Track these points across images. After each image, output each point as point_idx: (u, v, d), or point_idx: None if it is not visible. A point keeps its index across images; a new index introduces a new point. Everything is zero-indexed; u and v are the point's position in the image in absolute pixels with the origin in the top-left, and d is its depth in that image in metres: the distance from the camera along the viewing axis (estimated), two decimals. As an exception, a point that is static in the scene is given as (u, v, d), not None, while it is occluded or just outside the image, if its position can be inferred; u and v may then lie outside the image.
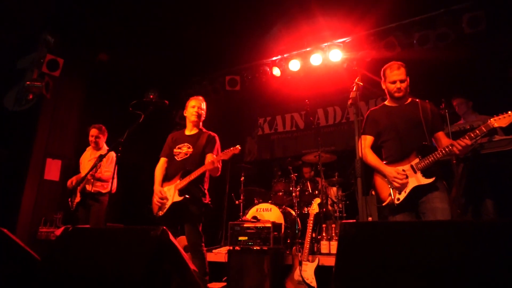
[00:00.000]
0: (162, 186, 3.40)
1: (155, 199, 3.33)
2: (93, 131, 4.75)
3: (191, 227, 3.25)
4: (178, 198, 3.22)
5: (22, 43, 5.72)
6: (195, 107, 3.56)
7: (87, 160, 4.82)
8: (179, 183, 3.26)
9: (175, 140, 3.59)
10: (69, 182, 4.67)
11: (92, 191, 4.48)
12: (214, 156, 3.32)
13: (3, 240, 2.11)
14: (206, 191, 3.45)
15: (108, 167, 4.60)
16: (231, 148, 3.19)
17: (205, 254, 3.32)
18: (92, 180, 4.40)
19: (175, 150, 3.50)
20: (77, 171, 5.01)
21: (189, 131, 3.60)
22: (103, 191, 4.51)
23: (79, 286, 1.73)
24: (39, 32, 5.41)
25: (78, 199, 4.51)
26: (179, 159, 3.44)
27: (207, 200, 3.41)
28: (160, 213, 3.28)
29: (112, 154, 4.65)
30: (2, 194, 5.36)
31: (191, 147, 3.45)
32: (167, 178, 3.44)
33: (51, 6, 5.20)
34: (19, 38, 5.68)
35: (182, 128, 3.76)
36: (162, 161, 3.57)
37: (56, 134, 5.79)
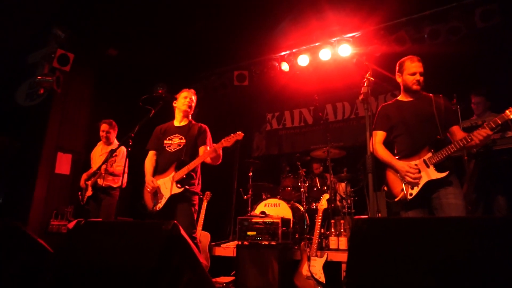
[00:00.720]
0: (154, 178, 3.32)
1: (148, 189, 3.26)
2: (104, 126, 4.79)
3: (184, 219, 3.12)
4: (177, 190, 3.13)
5: (32, 38, 5.77)
6: (187, 98, 3.50)
7: (98, 155, 4.87)
8: (176, 174, 3.17)
9: (164, 131, 3.51)
10: (82, 181, 4.71)
11: (104, 185, 4.52)
12: (208, 148, 3.28)
13: (17, 234, 2.15)
14: (199, 182, 3.39)
15: (119, 162, 4.64)
16: (233, 135, 3.10)
17: (198, 247, 3.29)
18: (104, 174, 4.45)
19: (165, 141, 3.42)
20: (87, 165, 5.06)
21: (179, 122, 3.53)
22: (114, 186, 4.57)
23: (91, 278, 1.76)
24: (50, 27, 5.45)
25: (89, 193, 4.57)
26: (172, 150, 3.35)
27: (198, 189, 3.35)
28: (157, 207, 3.19)
29: (123, 149, 4.68)
30: (14, 187, 5.45)
31: (183, 138, 3.37)
32: (158, 171, 3.36)
33: (61, 1, 5.23)
34: (30, 33, 5.74)
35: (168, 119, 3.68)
36: (151, 154, 3.50)
37: (66, 129, 5.86)
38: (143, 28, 5.85)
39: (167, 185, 3.20)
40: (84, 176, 4.71)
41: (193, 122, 3.56)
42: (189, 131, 3.40)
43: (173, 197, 3.16)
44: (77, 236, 2.02)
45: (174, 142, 3.38)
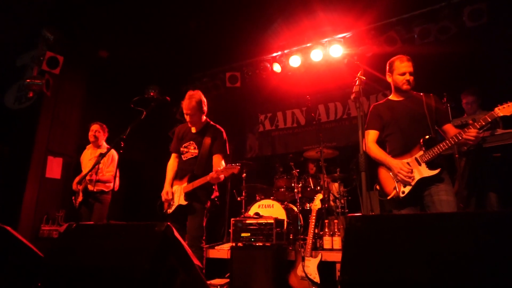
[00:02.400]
0: (173, 183, 3.47)
1: (163, 197, 3.42)
2: (94, 127, 4.78)
3: (193, 221, 3.29)
4: (183, 202, 3.31)
5: (21, 40, 5.70)
6: (184, 109, 3.45)
7: (87, 159, 4.84)
8: (187, 186, 3.32)
9: (182, 136, 3.60)
10: (74, 184, 4.71)
11: (95, 190, 4.50)
12: (221, 157, 3.39)
13: (7, 238, 2.11)
14: (214, 187, 3.48)
15: (109, 167, 4.63)
16: (232, 166, 3.14)
17: (204, 251, 3.34)
18: (94, 180, 4.42)
19: (182, 148, 3.53)
20: (78, 169, 5.01)
21: (194, 128, 3.57)
22: (106, 190, 4.55)
23: (84, 282, 1.73)
24: (39, 29, 5.39)
25: (80, 198, 4.53)
26: (185, 159, 3.49)
27: (213, 195, 3.45)
28: (169, 210, 3.39)
29: (113, 153, 4.66)
30: (4, 192, 5.36)
31: (197, 148, 3.45)
32: (178, 176, 3.51)
33: (50, 2, 5.17)
34: (19, 35, 5.66)
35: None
36: (173, 157, 3.63)
37: (57, 132, 5.78)
38: (135, 29, 5.81)
39: (178, 194, 3.38)
40: (76, 179, 4.68)
41: (210, 123, 3.60)
42: (203, 140, 3.44)
43: (181, 207, 3.33)
44: (68, 240, 1.99)
45: (189, 151, 3.49)
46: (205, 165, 3.37)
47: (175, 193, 3.41)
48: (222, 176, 3.23)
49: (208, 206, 3.41)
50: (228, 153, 3.52)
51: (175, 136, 3.65)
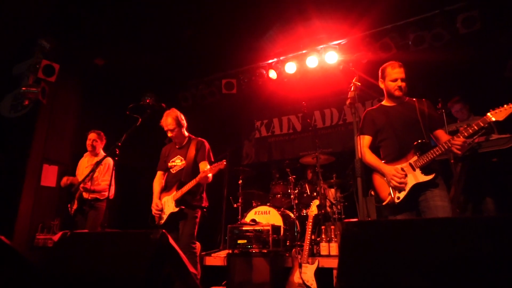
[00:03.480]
0: (161, 196, 3.67)
1: (153, 211, 3.59)
2: (92, 135, 4.78)
3: (185, 228, 3.45)
4: (175, 209, 3.47)
5: (17, 49, 5.69)
6: (166, 127, 3.70)
7: (84, 166, 4.82)
8: (176, 194, 3.50)
9: (168, 154, 3.85)
10: (63, 179, 4.72)
11: (90, 197, 4.47)
12: (207, 163, 3.60)
13: (1, 247, 2.08)
14: (203, 196, 3.68)
15: (105, 175, 4.61)
16: (218, 163, 3.34)
17: (197, 257, 3.53)
18: (89, 188, 4.41)
19: (169, 164, 3.76)
20: (73, 174, 4.98)
21: (179, 144, 3.82)
22: (101, 198, 4.53)
23: (79, 292, 1.71)
24: (35, 38, 5.39)
25: (75, 206, 4.51)
26: (174, 171, 3.71)
27: (202, 204, 3.63)
28: (161, 222, 3.55)
29: (109, 161, 4.64)
30: (-1, 200, 5.31)
31: (183, 159, 3.70)
32: (166, 188, 3.72)
33: (46, 11, 5.18)
34: (15, 44, 5.65)
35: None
36: (159, 174, 3.85)
37: (53, 140, 5.75)
38: (130, 37, 5.82)
39: (169, 203, 3.55)
40: (69, 178, 4.68)
41: (191, 137, 3.84)
42: (187, 152, 3.69)
43: (173, 214, 3.49)
44: (63, 249, 1.97)
45: (177, 164, 3.73)
46: (191, 173, 3.57)
47: (165, 203, 3.58)
48: (210, 175, 3.46)
49: (199, 215, 3.58)
50: (212, 159, 3.75)
51: (161, 157, 3.90)
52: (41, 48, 5.33)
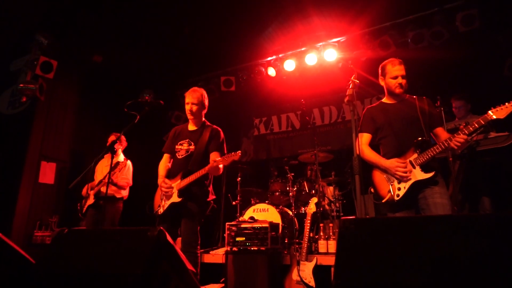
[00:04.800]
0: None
1: (162, 189, 3.24)
2: (111, 138, 4.83)
3: (187, 226, 3.14)
4: (176, 199, 3.14)
5: (15, 45, 5.67)
6: (188, 104, 3.41)
7: (104, 165, 4.89)
8: (179, 183, 3.17)
9: (177, 135, 3.48)
10: (84, 190, 4.75)
11: (107, 193, 4.51)
12: (219, 154, 3.26)
13: (-2, 244, 2.07)
14: (209, 189, 3.36)
15: (125, 175, 4.67)
16: (232, 154, 3.07)
17: (199, 256, 3.21)
18: (107, 182, 4.45)
19: (176, 146, 3.39)
20: (72, 174, 4.99)
21: (191, 126, 3.49)
22: (117, 196, 4.59)
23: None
24: (32, 34, 5.36)
25: (91, 201, 4.56)
26: (180, 157, 3.33)
27: (209, 198, 3.32)
28: (160, 210, 3.23)
29: (129, 163, 4.73)
30: (-4, 198, 5.30)
31: (192, 144, 3.33)
32: (170, 175, 3.35)
33: (44, 7, 5.15)
34: (12, 40, 5.63)
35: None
36: (165, 157, 3.50)
37: (50, 137, 5.74)
38: (129, 34, 5.80)
39: (171, 192, 3.22)
40: (88, 185, 4.66)
41: (207, 123, 3.50)
42: (200, 137, 3.33)
43: (174, 205, 3.16)
44: (60, 246, 1.96)
45: (183, 148, 3.35)
46: (200, 162, 3.21)
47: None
48: (221, 166, 3.14)
49: (206, 209, 3.30)
50: (225, 152, 3.39)
51: (170, 137, 3.54)
52: (38, 44, 5.31)
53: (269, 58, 6.44)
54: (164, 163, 3.46)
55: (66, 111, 6.07)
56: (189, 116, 3.43)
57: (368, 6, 5.24)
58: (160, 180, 3.32)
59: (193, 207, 3.18)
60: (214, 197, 3.39)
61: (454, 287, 1.05)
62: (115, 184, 4.54)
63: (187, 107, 3.41)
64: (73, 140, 6.06)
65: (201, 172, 3.10)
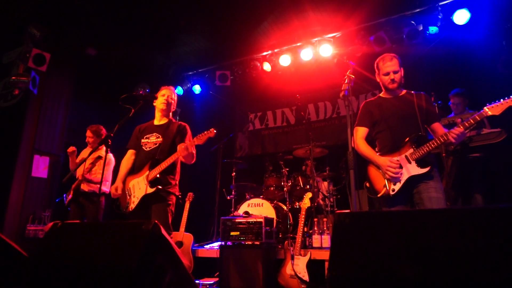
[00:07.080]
0: (126, 180, 3.27)
1: (112, 193, 3.22)
2: (88, 132, 4.76)
3: (159, 218, 3.01)
4: (150, 190, 3.04)
5: (7, 37, 5.58)
6: (165, 96, 3.42)
7: (83, 156, 4.79)
8: (149, 173, 3.09)
9: (143, 130, 3.43)
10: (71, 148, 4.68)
11: (87, 190, 4.45)
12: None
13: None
14: (177, 182, 3.29)
15: (106, 169, 4.57)
16: (205, 132, 3.01)
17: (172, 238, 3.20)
18: (83, 179, 4.38)
19: (142, 140, 3.34)
20: (65, 167, 4.94)
21: (158, 121, 3.45)
22: (98, 192, 4.50)
23: (69, 282, 1.70)
24: (25, 26, 5.28)
25: (70, 196, 4.47)
26: (147, 149, 3.27)
27: (177, 192, 3.25)
28: (131, 207, 3.13)
29: (110, 157, 4.61)
30: (-12, 191, 5.25)
31: (160, 136, 3.29)
32: (134, 170, 3.29)
33: (36, -1, 5.08)
34: (4, 32, 5.55)
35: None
36: (129, 153, 3.42)
37: (43, 130, 5.68)
38: (124, 26, 5.74)
39: (140, 185, 3.13)
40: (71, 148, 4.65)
41: (174, 120, 3.50)
42: (167, 129, 3.31)
43: (146, 197, 3.07)
44: (54, 239, 1.95)
45: (151, 141, 3.30)
46: (167, 152, 3.16)
47: (135, 187, 3.17)
48: (193, 148, 3.08)
49: (174, 202, 3.19)
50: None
51: (134, 133, 3.48)
52: (31, 36, 5.23)
53: (265, 53, 6.42)
54: (127, 160, 3.39)
55: (60, 104, 6.01)
56: (163, 107, 3.40)
57: (363, 1, 5.24)
58: (117, 182, 3.25)
59: (162, 196, 3.11)
60: (179, 194, 3.29)
61: (448, 280, 1.06)
62: (90, 181, 4.45)
63: (163, 99, 3.40)
64: (66, 133, 6.00)
65: (172, 158, 3.06)
